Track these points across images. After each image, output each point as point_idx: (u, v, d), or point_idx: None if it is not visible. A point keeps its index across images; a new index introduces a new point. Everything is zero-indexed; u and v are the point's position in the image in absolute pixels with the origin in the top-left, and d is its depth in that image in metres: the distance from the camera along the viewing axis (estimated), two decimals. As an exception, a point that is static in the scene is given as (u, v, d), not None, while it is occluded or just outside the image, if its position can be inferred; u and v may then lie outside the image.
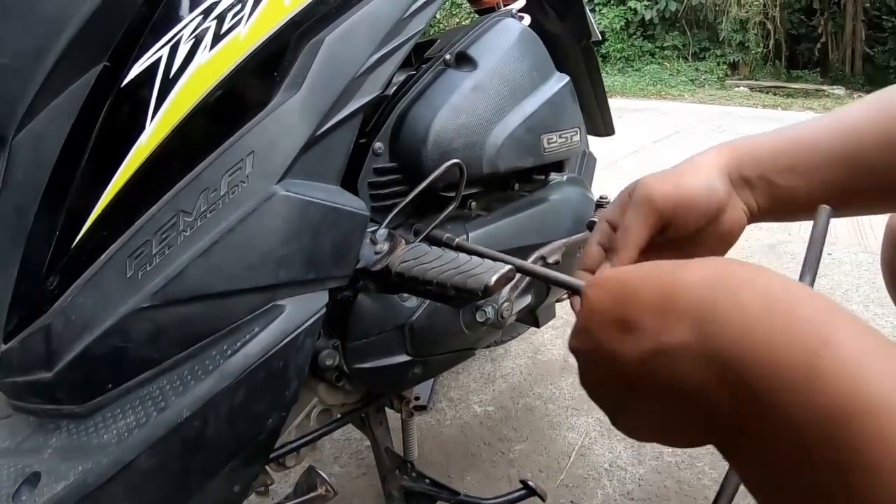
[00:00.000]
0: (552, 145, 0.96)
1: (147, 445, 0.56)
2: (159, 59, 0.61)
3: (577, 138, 1.01)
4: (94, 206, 0.59)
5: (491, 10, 1.09)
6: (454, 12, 9.59)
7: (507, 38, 0.93)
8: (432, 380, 1.69)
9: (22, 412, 0.65)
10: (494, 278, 0.58)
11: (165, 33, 0.61)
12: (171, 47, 0.61)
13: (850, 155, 0.50)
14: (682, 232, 0.51)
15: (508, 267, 0.59)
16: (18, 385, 0.63)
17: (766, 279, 0.32)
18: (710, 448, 1.32)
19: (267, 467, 0.81)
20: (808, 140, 0.52)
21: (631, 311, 0.36)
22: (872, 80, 8.98)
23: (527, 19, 1.10)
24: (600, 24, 10.06)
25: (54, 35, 0.58)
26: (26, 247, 0.59)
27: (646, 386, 0.35)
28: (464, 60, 0.89)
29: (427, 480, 1.07)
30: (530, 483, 1.02)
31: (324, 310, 0.66)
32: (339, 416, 0.90)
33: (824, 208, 0.47)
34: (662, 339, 0.33)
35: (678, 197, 0.50)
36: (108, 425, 0.58)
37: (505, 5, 1.09)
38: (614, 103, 1.39)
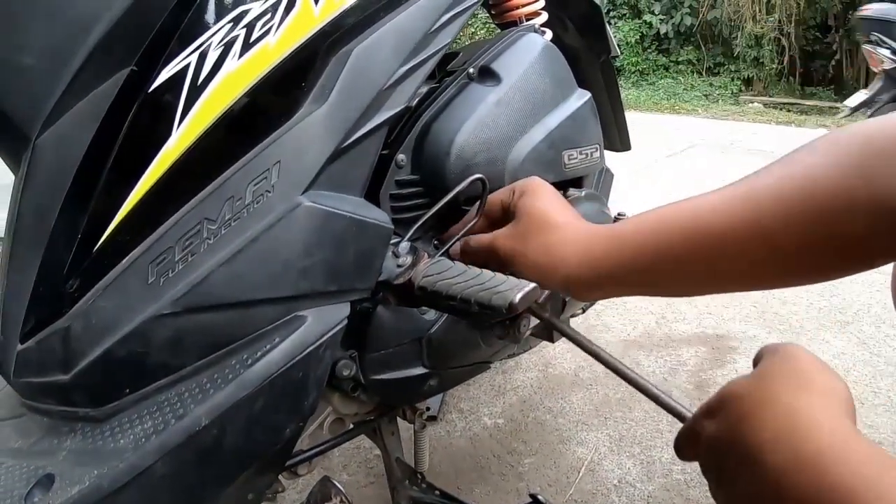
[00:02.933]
0: (573, 161, 0.95)
1: (164, 452, 0.56)
2: (188, 66, 0.61)
3: (596, 155, 1.00)
4: (117, 211, 0.59)
5: (513, 24, 1.09)
6: (470, 21, 9.62)
7: (530, 53, 0.93)
8: (442, 390, 1.69)
9: (35, 413, 0.65)
10: (519, 296, 0.57)
11: (194, 40, 0.61)
12: (200, 54, 0.61)
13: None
14: None
15: (532, 285, 0.58)
16: (33, 386, 0.62)
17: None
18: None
19: (279, 475, 0.81)
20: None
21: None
22: (886, 98, 8.92)
23: (549, 34, 1.09)
24: (615, 37, 10.02)
25: (82, 37, 0.58)
26: (47, 248, 0.59)
27: None
28: (487, 74, 0.89)
29: (436, 492, 1.07)
30: (539, 497, 1.02)
31: (345, 322, 0.65)
32: (351, 425, 0.90)
33: None
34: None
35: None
36: (124, 430, 0.58)
37: (527, 20, 1.09)
38: (628, 116, 1.39)
